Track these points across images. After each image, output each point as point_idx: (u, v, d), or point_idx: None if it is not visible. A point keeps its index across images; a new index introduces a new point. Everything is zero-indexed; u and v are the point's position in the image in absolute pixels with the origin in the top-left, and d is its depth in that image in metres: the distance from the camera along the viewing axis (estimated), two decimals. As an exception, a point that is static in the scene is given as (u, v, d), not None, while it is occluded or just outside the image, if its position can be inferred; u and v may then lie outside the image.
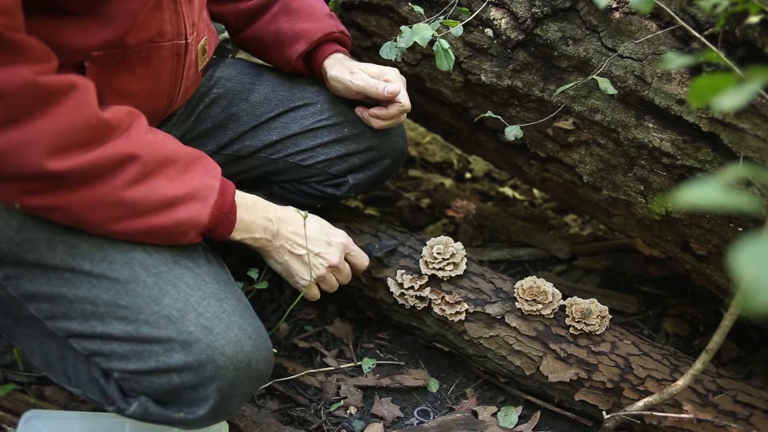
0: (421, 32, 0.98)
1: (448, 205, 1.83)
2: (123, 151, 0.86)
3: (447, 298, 1.24)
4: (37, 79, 0.78)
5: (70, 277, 0.90)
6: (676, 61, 0.51)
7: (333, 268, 1.12)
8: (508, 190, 2.00)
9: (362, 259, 1.18)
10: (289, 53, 1.21)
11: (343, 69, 1.19)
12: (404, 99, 1.17)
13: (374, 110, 1.21)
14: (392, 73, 1.18)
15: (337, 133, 1.24)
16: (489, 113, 1.17)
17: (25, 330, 0.95)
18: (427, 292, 1.24)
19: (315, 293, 1.13)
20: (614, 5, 1.05)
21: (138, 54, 0.95)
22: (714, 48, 0.89)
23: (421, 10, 1.15)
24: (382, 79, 1.17)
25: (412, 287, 1.25)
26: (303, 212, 1.08)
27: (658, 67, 1.02)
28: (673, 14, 0.97)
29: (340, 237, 1.13)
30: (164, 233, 0.92)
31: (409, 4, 1.21)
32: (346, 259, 1.15)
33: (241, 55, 1.59)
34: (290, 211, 1.09)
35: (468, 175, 2.15)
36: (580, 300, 1.21)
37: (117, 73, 0.93)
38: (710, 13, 0.84)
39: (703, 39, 0.94)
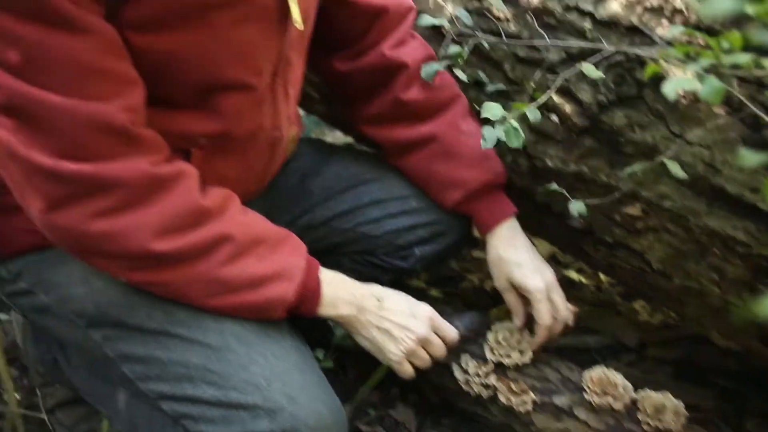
0: (491, 110, 1.01)
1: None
2: (219, 231, 0.94)
3: (513, 386, 1.20)
4: (153, 170, 0.88)
5: (166, 340, 0.97)
6: (751, 158, 0.50)
7: (422, 341, 1.10)
8: (573, 274, 1.96)
9: (451, 332, 1.16)
10: (444, 198, 1.24)
11: (516, 255, 1.22)
12: (547, 320, 1.19)
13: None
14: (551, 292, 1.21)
15: (405, 205, 1.28)
16: (554, 186, 1.15)
17: (115, 392, 1.01)
18: (492, 379, 1.21)
19: (407, 368, 1.11)
20: (682, 93, 1.05)
21: (238, 144, 1.04)
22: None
23: (501, 86, 1.18)
24: (540, 296, 1.19)
25: (477, 374, 1.22)
26: (386, 288, 1.10)
27: (735, 163, 1.00)
28: (744, 100, 0.95)
29: (425, 310, 1.13)
30: (253, 309, 0.99)
31: (488, 98, 1.24)
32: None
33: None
34: (373, 286, 1.10)
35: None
36: (653, 393, 1.16)
37: (217, 159, 1.02)
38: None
39: (776, 127, 0.92)
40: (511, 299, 1.25)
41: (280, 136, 1.12)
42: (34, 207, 0.88)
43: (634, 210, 1.15)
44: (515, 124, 1.00)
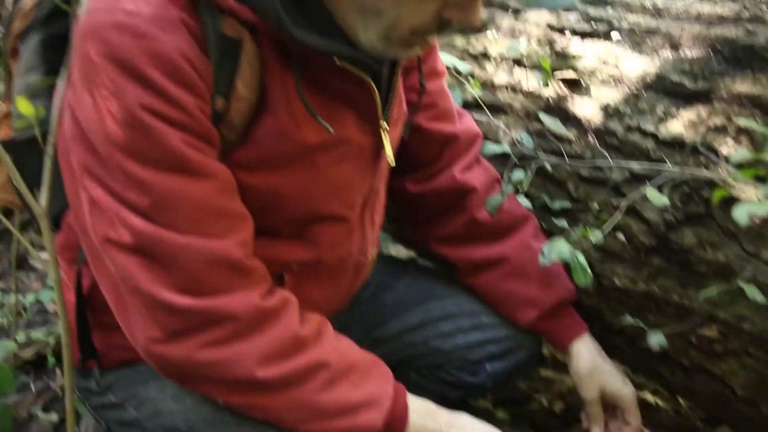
0: (558, 248, 1.01)
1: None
2: (316, 358, 0.97)
3: None
4: (263, 303, 0.93)
5: None
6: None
7: None
8: (648, 396, 1.86)
9: None
10: (518, 317, 1.26)
11: (599, 363, 1.24)
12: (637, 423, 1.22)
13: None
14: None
15: (476, 320, 1.28)
16: (629, 318, 1.13)
17: None
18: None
19: None
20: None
21: (328, 269, 1.10)
22: None
23: (565, 223, 1.19)
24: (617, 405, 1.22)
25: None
26: (474, 418, 1.08)
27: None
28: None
29: None
30: None
31: (552, 219, 1.25)
32: None
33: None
34: (462, 416, 1.08)
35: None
36: None
37: (307, 283, 1.07)
38: None
39: None
40: (596, 410, 1.24)
41: (365, 261, 1.18)
42: (143, 335, 0.92)
43: (711, 332, 1.10)
44: (582, 260, 1.00)
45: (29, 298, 1.53)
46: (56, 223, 1.12)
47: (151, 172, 0.85)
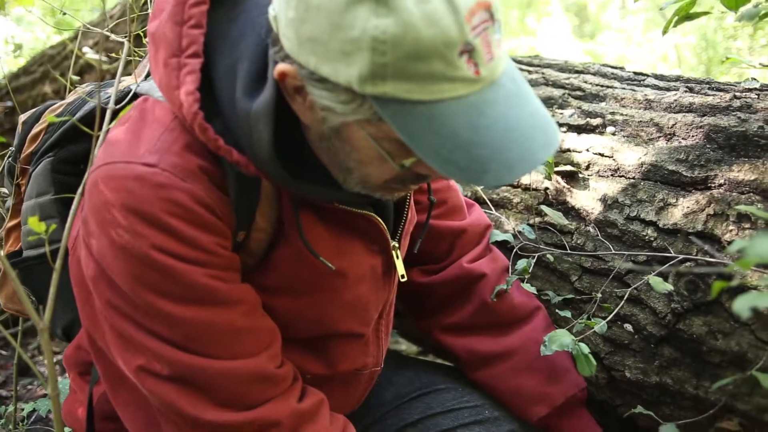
0: (560, 339, 0.99)
1: None
2: None
3: None
4: (300, 407, 0.98)
5: None
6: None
7: None
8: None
9: None
10: (529, 413, 1.22)
11: None
12: None
13: None
14: None
15: (478, 414, 1.23)
16: (639, 408, 1.09)
17: None
18: None
19: None
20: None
21: (342, 381, 1.12)
22: None
23: (569, 314, 1.17)
24: None
25: None
26: None
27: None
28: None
29: None
30: None
31: (557, 311, 1.24)
32: None
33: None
34: None
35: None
36: None
37: (321, 390, 1.06)
38: None
39: None
40: None
41: (379, 370, 1.19)
42: None
43: (730, 425, 1.06)
44: (586, 350, 0.98)
45: (27, 408, 1.50)
46: (67, 335, 1.14)
47: (177, 306, 0.88)
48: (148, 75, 1.05)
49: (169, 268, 0.86)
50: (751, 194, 1.08)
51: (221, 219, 0.89)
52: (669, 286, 1.00)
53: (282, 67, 0.79)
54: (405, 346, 2.25)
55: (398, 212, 1.10)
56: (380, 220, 1.02)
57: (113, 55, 1.61)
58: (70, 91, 1.25)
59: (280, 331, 1.00)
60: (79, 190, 1.00)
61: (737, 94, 1.22)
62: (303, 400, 0.99)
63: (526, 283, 1.23)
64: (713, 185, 1.13)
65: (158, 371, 0.91)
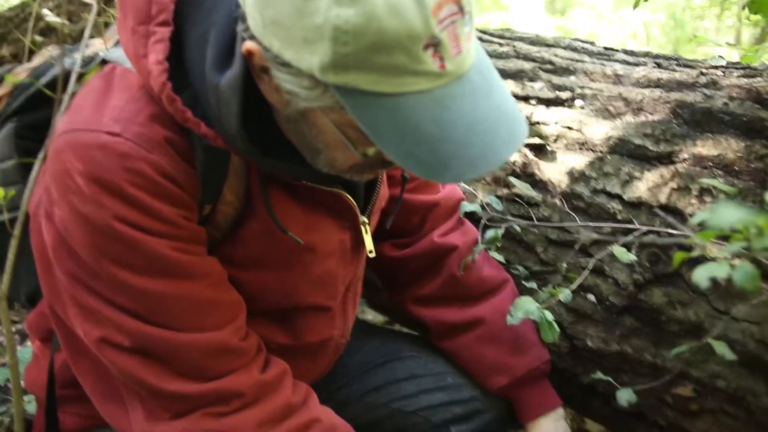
0: (525, 306, 1.01)
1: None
2: (308, 417, 1.02)
3: None
4: (263, 377, 0.98)
5: None
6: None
7: None
8: (631, 456, 1.83)
9: None
10: (489, 382, 1.25)
11: None
12: None
13: None
14: None
15: (441, 381, 1.26)
16: (599, 374, 1.12)
17: None
18: None
19: None
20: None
21: (307, 349, 1.12)
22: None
23: (534, 285, 1.19)
24: None
25: None
26: None
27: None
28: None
29: None
30: None
31: (523, 282, 1.26)
32: None
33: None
34: None
35: (584, 439, 2.00)
36: None
37: (286, 359, 1.07)
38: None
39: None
40: None
41: (345, 341, 1.20)
42: (144, 421, 0.95)
43: (685, 391, 1.10)
44: (550, 317, 1.00)
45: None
46: (31, 301, 1.13)
47: (140, 278, 0.88)
48: (118, 42, 1.03)
49: (132, 239, 0.85)
50: (714, 169, 1.11)
51: (186, 191, 0.88)
52: (632, 257, 1.02)
53: (249, 45, 0.78)
54: (371, 316, 2.26)
55: (370, 188, 1.10)
56: (350, 197, 1.02)
57: (75, 18, 1.57)
58: (32, 53, 1.22)
59: (246, 304, 1.00)
60: (40, 155, 0.98)
61: (704, 71, 1.25)
62: (266, 371, 1.00)
63: (495, 253, 1.24)
64: (678, 160, 1.15)
65: (120, 342, 0.90)
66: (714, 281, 1.04)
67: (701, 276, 0.67)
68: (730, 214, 0.49)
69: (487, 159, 0.77)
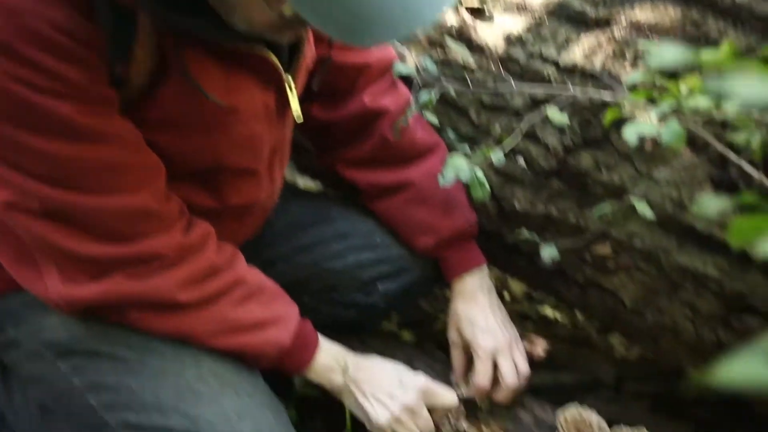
0: (456, 164, 1.01)
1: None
2: (233, 277, 1.03)
3: (484, 429, 1.19)
4: (186, 240, 0.98)
5: (140, 368, 1.00)
6: (712, 205, 0.50)
7: (408, 411, 1.09)
8: (548, 311, 1.97)
9: (448, 400, 1.14)
10: (415, 243, 1.26)
11: (471, 311, 1.23)
12: (481, 381, 1.19)
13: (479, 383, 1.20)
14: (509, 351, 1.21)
15: (369, 239, 1.28)
16: (524, 232, 1.16)
17: (73, 425, 1.03)
18: (463, 423, 1.20)
19: None
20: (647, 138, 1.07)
21: (233, 211, 1.10)
22: (754, 173, 0.88)
23: (467, 149, 1.20)
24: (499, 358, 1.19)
25: (448, 418, 1.20)
26: (377, 356, 1.13)
27: (694, 209, 1.02)
28: (711, 141, 0.97)
29: (416, 380, 1.12)
30: (251, 351, 1.04)
31: (455, 142, 1.26)
32: (432, 406, 1.12)
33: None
34: (369, 358, 1.12)
35: (507, 296, 2.12)
36: (627, 429, 1.16)
37: (213, 223, 1.06)
38: (745, 147, 0.84)
39: (744, 165, 0.94)
40: (455, 354, 1.26)
41: (273, 204, 1.19)
42: (60, 285, 0.93)
43: (604, 250, 1.16)
44: (480, 175, 1.01)
45: None
46: None
47: (43, 140, 0.84)
48: None
49: (31, 101, 0.81)
50: (651, 35, 1.11)
51: (89, 49, 0.82)
52: (564, 119, 1.04)
53: None
54: (302, 182, 2.26)
55: (296, 48, 1.05)
56: (273, 55, 0.97)
57: None
58: None
59: (167, 167, 0.97)
60: None
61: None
62: (189, 233, 0.99)
63: (430, 114, 1.23)
64: (615, 25, 1.14)
65: (28, 207, 0.87)
66: (640, 146, 1.08)
67: (630, 133, 0.69)
68: (671, 53, 0.48)
69: (408, 20, 0.73)
